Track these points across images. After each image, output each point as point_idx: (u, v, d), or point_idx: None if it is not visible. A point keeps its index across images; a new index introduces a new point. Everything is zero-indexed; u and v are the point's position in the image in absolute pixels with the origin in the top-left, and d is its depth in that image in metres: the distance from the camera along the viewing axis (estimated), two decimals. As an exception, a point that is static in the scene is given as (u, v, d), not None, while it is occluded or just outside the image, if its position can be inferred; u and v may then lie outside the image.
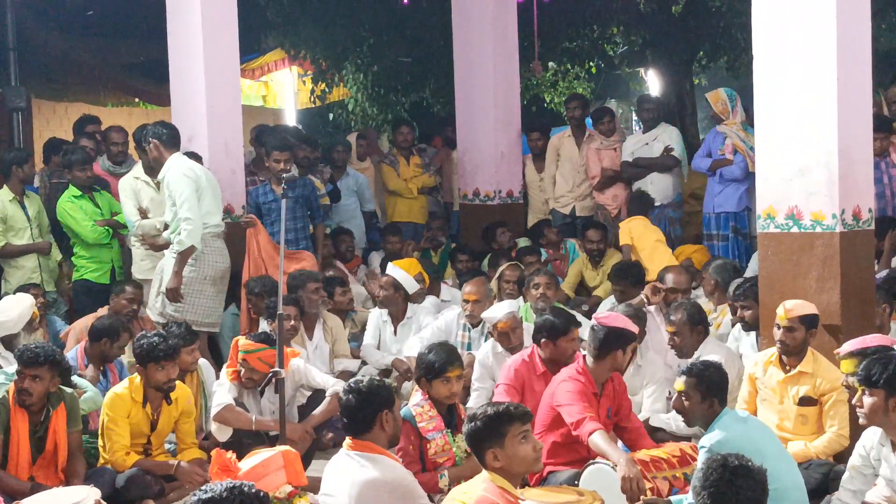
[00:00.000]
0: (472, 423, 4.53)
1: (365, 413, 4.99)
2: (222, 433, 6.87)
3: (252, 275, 8.77)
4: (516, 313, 7.53)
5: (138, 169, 9.02)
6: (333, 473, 5.02)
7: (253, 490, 3.74)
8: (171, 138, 8.31)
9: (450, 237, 11.41)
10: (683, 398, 5.37)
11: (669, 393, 7.11)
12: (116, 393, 6.60)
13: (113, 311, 8.23)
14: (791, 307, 6.24)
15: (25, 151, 9.61)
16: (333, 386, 6.98)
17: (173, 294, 8.06)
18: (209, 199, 8.17)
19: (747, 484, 4.06)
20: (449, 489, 5.50)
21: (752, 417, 5.70)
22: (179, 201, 8.02)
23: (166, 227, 8.45)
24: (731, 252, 9.62)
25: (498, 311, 7.39)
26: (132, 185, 8.90)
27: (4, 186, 9.12)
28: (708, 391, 5.34)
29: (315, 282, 8.49)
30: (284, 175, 7.69)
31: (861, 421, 5.23)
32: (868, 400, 5.12)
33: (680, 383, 5.39)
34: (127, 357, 7.59)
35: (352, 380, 5.22)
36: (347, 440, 5.03)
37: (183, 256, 8.03)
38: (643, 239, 9.52)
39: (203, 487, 3.74)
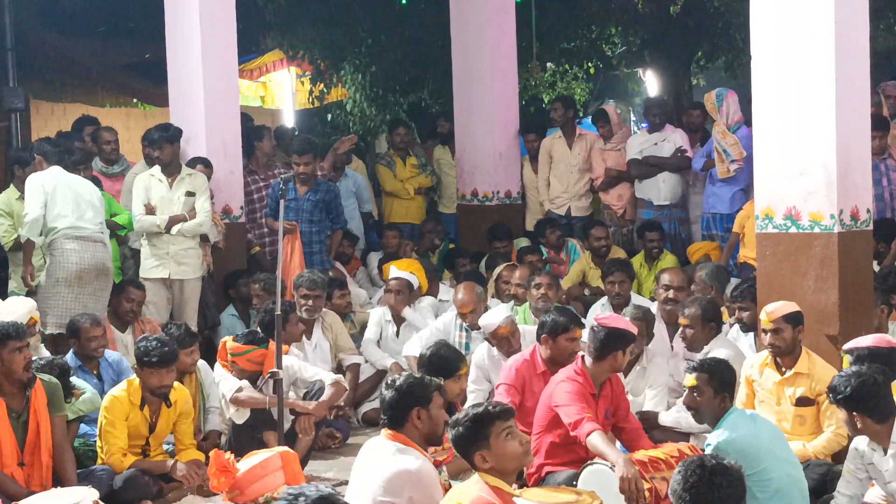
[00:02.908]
0: (456, 429, 4.53)
1: (399, 409, 5.00)
2: (240, 416, 7.04)
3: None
4: (513, 316, 7.52)
5: (155, 167, 9.07)
6: (368, 457, 5.06)
7: (341, 502, 3.79)
8: (54, 154, 8.53)
9: (446, 238, 11.40)
10: (696, 394, 5.41)
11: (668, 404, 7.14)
12: (114, 395, 6.60)
13: (113, 312, 8.26)
14: (773, 309, 6.26)
15: (28, 153, 9.64)
16: (330, 375, 7.31)
17: (25, 282, 8.25)
18: (62, 202, 8.26)
19: (727, 482, 4.07)
20: (449, 484, 5.51)
21: (760, 417, 5.72)
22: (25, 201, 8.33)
23: (170, 225, 8.80)
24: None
25: (495, 317, 7.36)
26: (146, 181, 9.02)
27: (11, 185, 9.19)
28: (720, 387, 5.42)
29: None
30: (282, 175, 7.71)
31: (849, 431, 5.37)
32: (840, 414, 5.30)
33: (692, 379, 5.42)
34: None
35: (394, 375, 5.26)
36: (386, 430, 5.05)
37: (25, 249, 8.28)
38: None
39: (293, 492, 3.75)
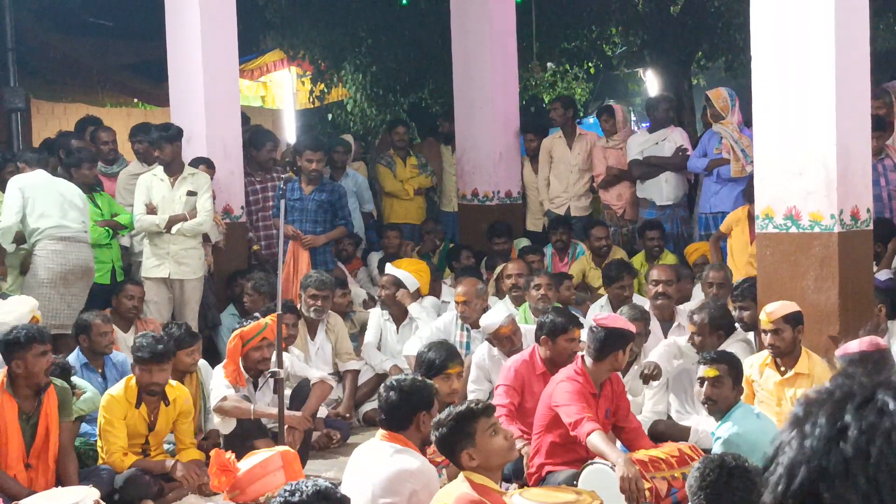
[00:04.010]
0: (440, 430, 4.53)
1: (404, 411, 4.98)
2: (226, 426, 6.96)
3: (283, 281, 8.78)
4: (514, 316, 7.53)
5: (158, 167, 9.09)
6: (364, 458, 5.04)
7: (338, 494, 3.81)
8: (35, 160, 8.70)
9: (446, 238, 11.40)
10: (716, 385, 5.45)
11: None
12: (112, 394, 6.60)
13: (115, 312, 8.27)
14: (772, 310, 6.26)
15: (2, 157, 9.62)
16: (317, 373, 7.25)
17: None
18: (44, 203, 8.29)
19: (743, 485, 4.07)
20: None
21: (762, 413, 5.74)
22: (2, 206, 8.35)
23: (170, 225, 8.80)
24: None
25: (497, 317, 7.36)
26: (147, 181, 9.03)
27: None
28: (737, 378, 5.52)
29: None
30: (283, 176, 7.71)
31: None
32: None
33: (712, 370, 5.46)
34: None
35: (395, 377, 5.21)
36: (381, 432, 5.04)
37: None
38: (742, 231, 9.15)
39: (289, 489, 3.77)
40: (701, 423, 6.78)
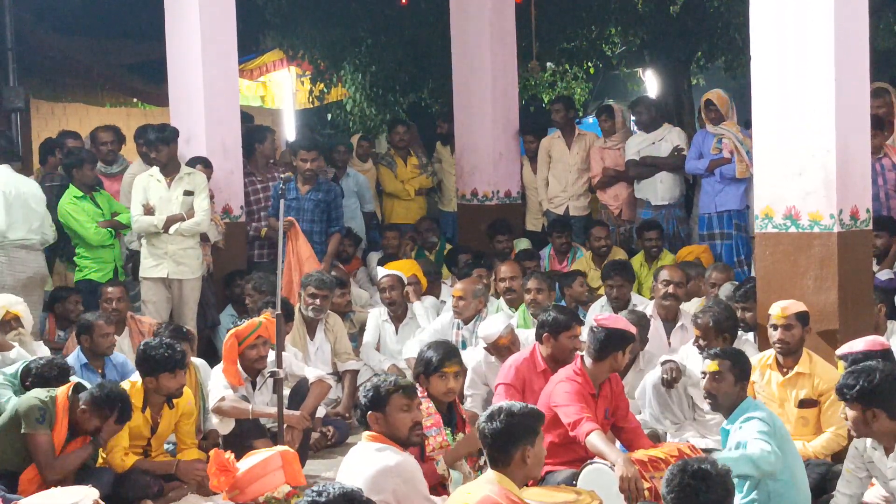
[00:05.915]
0: (509, 419, 4.50)
1: (363, 413, 5.16)
2: (224, 426, 6.97)
3: (284, 275, 8.80)
4: (512, 325, 7.51)
5: (154, 167, 9.07)
6: (353, 460, 5.15)
7: (364, 498, 3.95)
8: (3, 153, 8.71)
9: (444, 238, 11.39)
10: (716, 379, 5.43)
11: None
12: (115, 395, 6.59)
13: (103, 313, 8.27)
14: (787, 305, 6.28)
15: None
16: (314, 372, 7.29)
17: None
18: (15, 213, 8.47)
19: (707, 486, 4.13)
20: (447, 472, 5.63)
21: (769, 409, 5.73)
22: None
23: (167, 225, 8.81)
24: (734, 250, 9.62)
25: (496, 327, 7.34)
26: (144, 182, 9.02)
27: None
28: (741, 374, 5.47)
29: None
30: (282, 176, 7.72)
31: (851, 432, 5.30)
32: (850, 413, 5.19)
33: (714, 364, 5.44)
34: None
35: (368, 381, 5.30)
36: (366, 433, 5.15)
37: None
38: None
39: (316, 489, 3.91)
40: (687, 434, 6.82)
